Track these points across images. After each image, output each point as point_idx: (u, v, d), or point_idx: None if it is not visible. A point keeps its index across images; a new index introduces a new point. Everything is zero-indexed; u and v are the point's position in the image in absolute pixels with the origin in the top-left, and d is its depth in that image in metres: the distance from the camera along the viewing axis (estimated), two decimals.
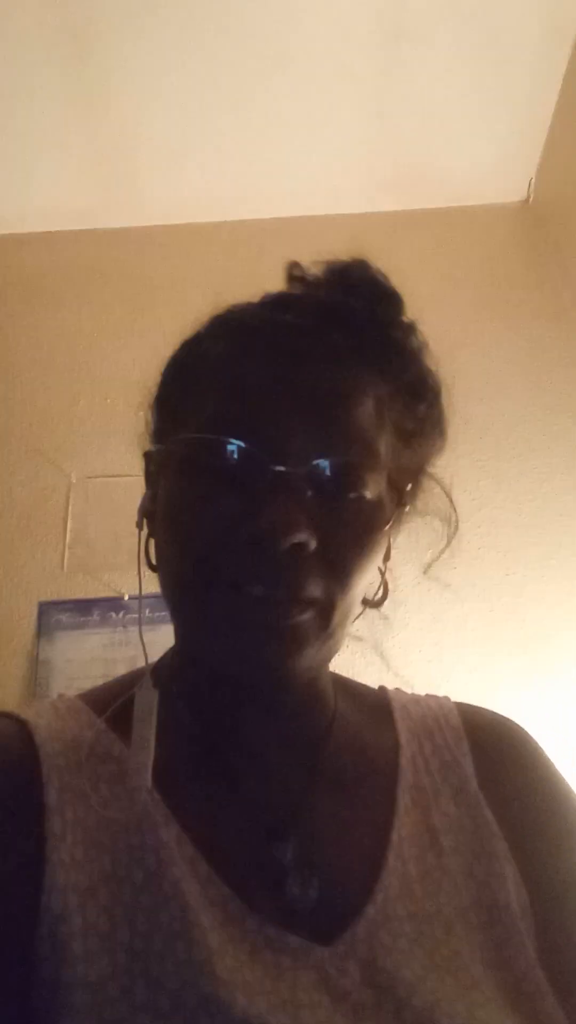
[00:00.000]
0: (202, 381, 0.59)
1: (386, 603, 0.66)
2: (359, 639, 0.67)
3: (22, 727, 0.58)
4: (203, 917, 0.50)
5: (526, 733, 0.69)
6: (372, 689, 0.71)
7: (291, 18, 1.77)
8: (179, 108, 1.93)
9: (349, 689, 0.69)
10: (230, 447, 0.54)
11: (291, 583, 0.52)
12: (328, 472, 0.53)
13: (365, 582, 0.57)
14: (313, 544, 0.52)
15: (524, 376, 1.99)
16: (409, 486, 0.61)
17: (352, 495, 0.55)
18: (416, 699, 0.70)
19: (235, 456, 0.54)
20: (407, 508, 0.62)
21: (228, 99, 1.92)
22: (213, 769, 0.59)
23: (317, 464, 0.53)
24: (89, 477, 1.84)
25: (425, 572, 0.69)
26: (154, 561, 0.62)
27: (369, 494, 0.55)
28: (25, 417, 1.95)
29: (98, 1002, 0.46)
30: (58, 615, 1.72)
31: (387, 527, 0.58)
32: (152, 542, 0.62)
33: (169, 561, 0.58)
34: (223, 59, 1.84)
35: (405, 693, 0.71)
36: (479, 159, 2.11)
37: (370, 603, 0.64)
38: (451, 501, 0.67)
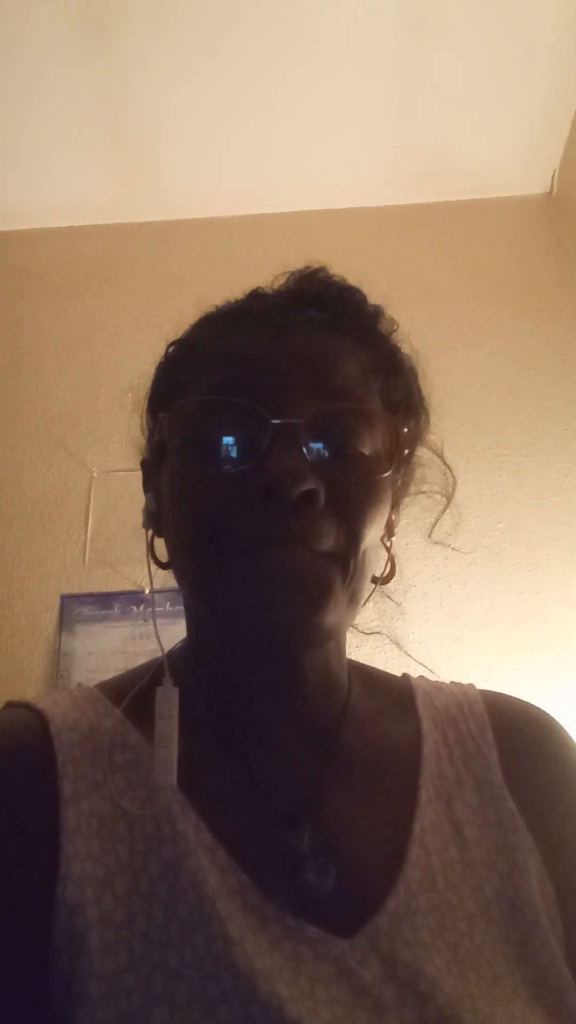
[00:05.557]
0: (195, 363, 0.62)
1: (405, 598, 0.67)
2: (378, 633, 0.68)
3: (38, 717, 0.58)
4: (221, 907, 0.50)
5: (554, 721, 0.68)
6: (395, 677, 0.71)
7: (312, 10, 1.76)
8: (199, 102, 1.93)
9: (369, 676, 0.69)
10: (227, 405, 0.56)
11: (306, 533, 0.53)
12: (324, 423, 0.55)
13: (374, 536, 0.58)
14: (322, 494, 0.53)
15: (546, 370, 1.97)
16: (405, 452, 0.64)
17: (350, 446, 0.57)
18: (440, 687, 0.69)
19: (235, 414, 0.56)
20: (403, 472, 0.65)
21: (248, 93, 1.92)
22: (229, 757, 0.59)
23: (313, 415, 0.55)
24: (110, 471, 1.85)
25: (429, 535, 0.70)
26: (162, 559, 0.63)
27: (366, 448, 0.57)
28: (47, 411, 1.97)
29: (114, 993, 0.46)
30: (79, 608, 1.73)
31: (388, 479, 0.59)
32: (161, 542, 0.64)
33: (183, 534, 0.59)
34: (243, 53, 1.83)
35: (429, 681, 0.70)
36: (502, 151, 2.09)
37: (379, 579, 0.64)
38: (444, 461, 0.69)
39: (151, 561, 0.64)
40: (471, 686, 0.70)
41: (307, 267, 0.67)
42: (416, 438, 0.67)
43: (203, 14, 1.75)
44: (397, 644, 0.71)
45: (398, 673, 0.71)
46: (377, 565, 0.62)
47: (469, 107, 1.97)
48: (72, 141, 2.01)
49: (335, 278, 0.67)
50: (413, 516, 0.69)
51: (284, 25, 1.78)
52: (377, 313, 0.66)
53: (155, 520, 0.63)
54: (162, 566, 0.63)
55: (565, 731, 0.67)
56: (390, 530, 0.65)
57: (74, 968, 0.47)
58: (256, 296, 0.66)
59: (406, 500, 0.69)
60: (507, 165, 2.13)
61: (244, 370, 0.58)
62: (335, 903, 0.52)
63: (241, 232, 2.13)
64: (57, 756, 0.55)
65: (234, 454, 0.55)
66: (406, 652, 0.80)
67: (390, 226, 2.15)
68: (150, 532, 0.64)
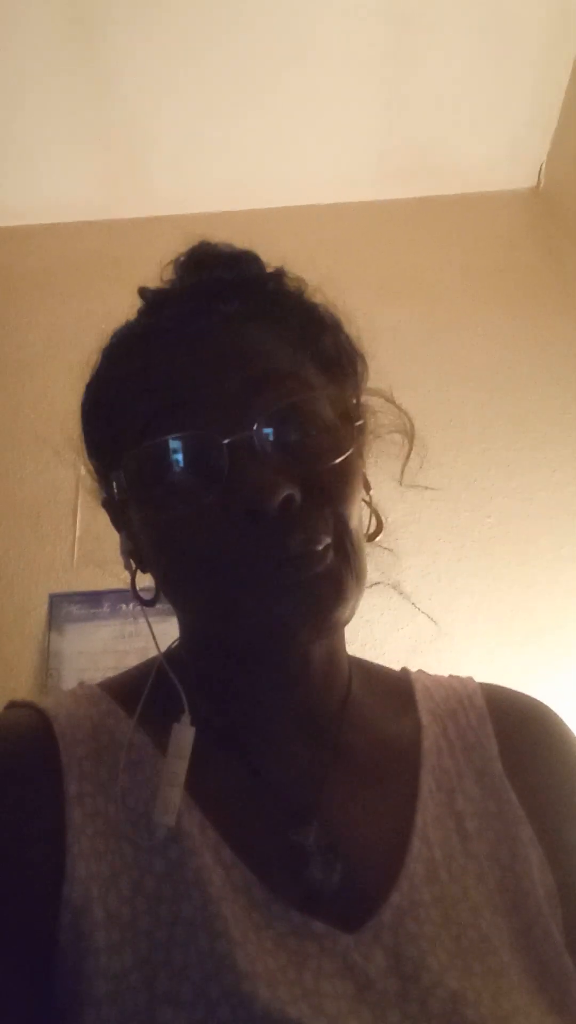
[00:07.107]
0: (124, 402, 0.59)
1: (396, 593, 0.67)
2: (379, 583, 0.67)
3: (41, 717, 0.58)
4: (226, 907, 0.49)
5: (553, 713, 0.68)
6: (394, 671, 0.71)
7: (300, 7, 1.76)
8: (188, 98, 1.92)
9: (369, 671, 0.69)
10: (173, 443, 0.54)
11: (300, 540, 0.52)
12: (274, 424, 0.54)
13: (357, 510, 0.58)
14: (298, 496, 0.52)
15: (534, 364, 1.97)
16: (354, 401, 0.62)
17: (306, 435, 0.55)
18: (439, 680, 0.69)
19: (187, 447, 0.54)
20: (360, 422, 0.63)
21: (237, 88, 1.91)
22: (231, 755, 0.58)
23: (261, 421, 0.53)
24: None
25: (400, 483, 0.69)
26: (147, 592, 0.62)
27: (320, 424, 0.56)
28: (35, 410, 1.95)
29: (120, 992, 0.46)
30: (68, 607, 1.73)
31: (352, 450, 0.58)
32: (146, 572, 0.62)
33: (175, 577, 0.58)
34: (232, 48, 1.83)
35: (428, 675, 0.70)
36: (489, 145, 2.09)
37: (367, 537, 0.63)
38: (397, 406, 0.67)
39: (136, 600, 0.62)
40: (470, 679, 0.70)
41: (192, 250, 0.64)
42: (360, 388, 0.65)
43: (192, 11, 1.74)
44: (399, 591, 0.70)
45: (397, 650, 0.71)
46: (363, 526, 0.61)
47: (457, 102, 1.98)
48: (61, 138, 2.00)
49: (222, 252, 0.64)
50: (401, 511, 0.68)
51: (274, 22, 1.78)
52: (279, 278, 0.64)
53: (135, 556, 0.62)
54: (147, 603, 0.62)
55: (564, 723, 0.68)
56: (366, 485, 0.64)
57: (80, 967, 0.47)
58: (156, 306, 0.62)
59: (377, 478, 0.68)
60: (494, 160, 2.13)
61: (177, 395, 0.55)
62: (340, 898, 0.52)
63: (230, 228, 2.12)
64: (61, 755, 0.55)
65: (200, 487, 0.53)
66: (411, 601, 0.79)
67: (378, 221, 2.15)
68: (133, 569, 0.62)
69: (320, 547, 0.53)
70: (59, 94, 1.90)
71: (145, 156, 2.06)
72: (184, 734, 0.55)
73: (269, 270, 0.64)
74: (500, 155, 2.12)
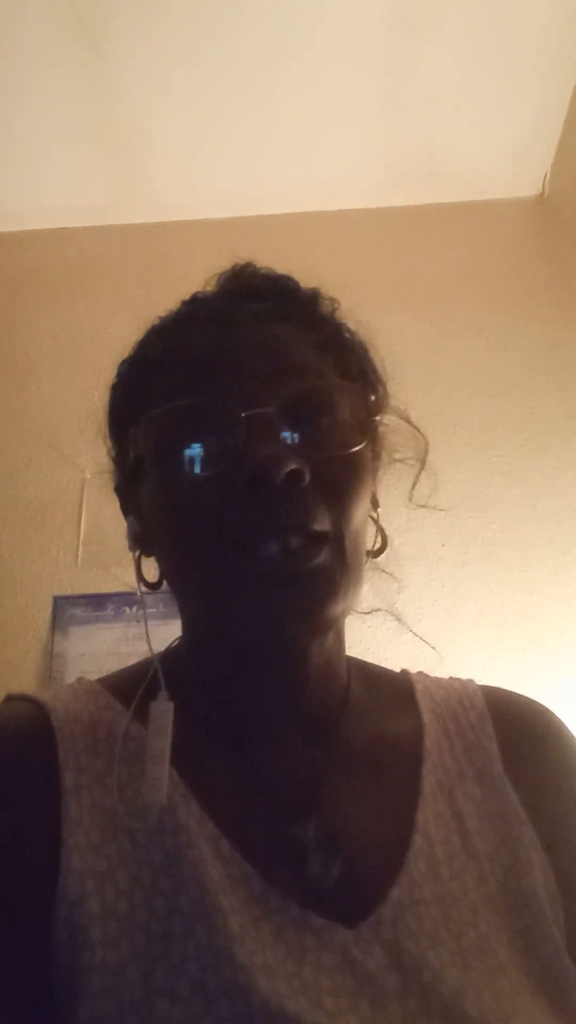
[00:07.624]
0: (153, 375, 0.61)
1: (399, 602, 0.67)
2: (379, 610, 0.68)
3: (39, 710, 0.58)
4: (224, 899, 0.49)
5: (553, 715, 0.68)
6: (394, 672, 0.71)
7: (302, 11, 1.77)
8: (190, 103, 1.93)
9: (369, 672, 0.69)
10: (194, 409, 0.56)
11: (297, 514, 0.52)
12: (294, 405, 0.55)
13: (363, 512, 0.58)
14: (307, 474, 0.53)
15: (538, 371, 1.98)
16: (370, 415, 0.63)
17: (323, 423, 0.56)
18: (439, 681, 0.69)
19: (206, 415, 0.55)
20: (376, 428, 0.64)
21: (240, 94, 1.92)
22: (230, 750, 0.58)
23: (282, 400, 0.55)
24: (103, 472, 1.84)
25: (410, 499, 0.70)
26: (151, 579, 0.63)
27: (339, 423, 0.57)
28: (40, 413, 1.96)
29: (116, 986, 0.46)
30: (72, 609, 1.73)
31: (367, 450, 0.59)
32: (149, 561, 0.63)
33: (175, 546, 0.58)
34: (234, 53, 1.84)
35: (428, 676, 0.70)
36: (493, 153, 2.10)
37: (371, 553, 0.64)
38: (413, 425, 0.69)
39: (140, 582, 0.63)
40: (471, 681, 0.70)
41: (236, 265, 0.67)
42: (380, 407, 0.67)
43: (193, 12, 1.75)
44: (399, 619, 0.71)
45: (400, 654, 0.71)
46: (368, 540, 0.62)
47: (461, 109, 1.98)
48: (63, 142, 2.01)
49: (264, 270, 0.67)
50: (404, 517, 0.69)
51: (275, 26, 1.79)
52: (315, 295, 0.67)
53: (141, 541, 0.63)
54: (151, 586, 0.63)
55: (564, 725, 0.68)
56: (374, 502, 0.65)
57: (76, 961, 0.47)
58: (196, 301, 0.66)
59: (381, 474, 0.68)
60: (499, 167, 2.13)
61: (205, 370, 0.57)
62: (340, 893, 0.52)
63: (232, 234, 2.13)
64: (59, 748, 0.55)
65: (213, 455, 0.55)
66: (408, 628, 0.80)
67: (383, 228, 2.15)
68: (138, 553, 0.63)
69: (314, 526, 0.53)
70: (61, 99, 1.91)
71: (147, 161, 2.07)
72: (162, 710, 0.55)
73: (307, 288, 0.67)
74: (504, 163, 2.13)
